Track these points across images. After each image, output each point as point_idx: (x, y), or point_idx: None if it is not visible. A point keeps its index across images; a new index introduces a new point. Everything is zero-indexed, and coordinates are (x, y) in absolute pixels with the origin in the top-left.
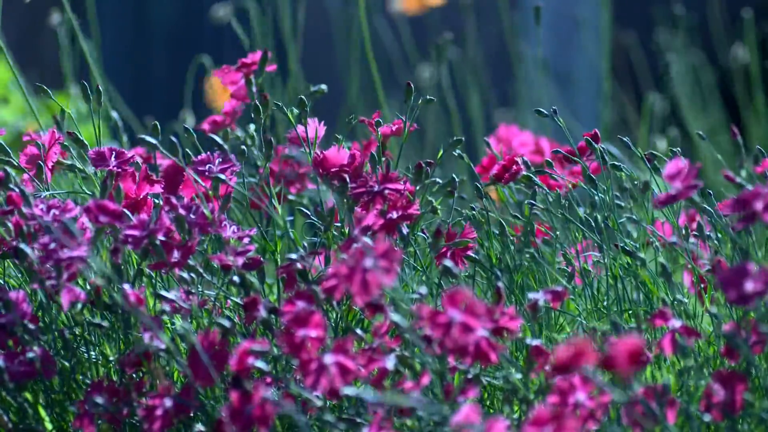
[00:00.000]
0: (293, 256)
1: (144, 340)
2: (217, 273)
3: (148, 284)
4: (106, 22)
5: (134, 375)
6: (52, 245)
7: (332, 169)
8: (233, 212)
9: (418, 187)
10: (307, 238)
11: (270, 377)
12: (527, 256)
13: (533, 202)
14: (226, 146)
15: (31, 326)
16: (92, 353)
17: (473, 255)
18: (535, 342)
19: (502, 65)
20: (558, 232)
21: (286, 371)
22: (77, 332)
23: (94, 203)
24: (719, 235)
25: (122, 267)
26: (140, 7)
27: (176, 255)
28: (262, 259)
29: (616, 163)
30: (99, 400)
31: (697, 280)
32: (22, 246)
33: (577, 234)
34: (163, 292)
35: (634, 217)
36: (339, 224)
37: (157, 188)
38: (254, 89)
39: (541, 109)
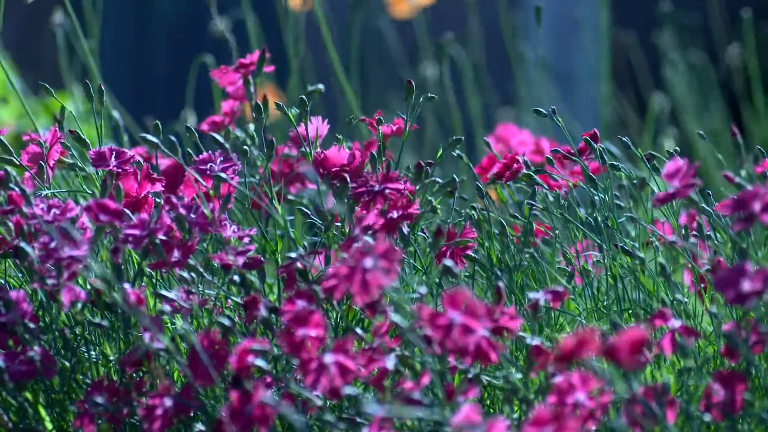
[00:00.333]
0: (293, 254)
1: (144, 340)
2: (217, 272)
3: (148, 284)
4: (107, 21)
5: (134, 375)
6: (53, 244)
7: (333, 169)
8: (233, 212)
9: (418, 187)
10: (308, 238)
11: (270, 377)
12: (527, 255)
13: (533, 202)
14: (227, 145)
15: (32, 325)
16: (92, 353)
17: (473, 255)
18: (535, 341)
19: (502, 65)
20: (558, 232)
21: (286, 371)
22: (77, 332)
23: (95, 202)
24: (719, 235)
25: (122, 266)
26: (141, 6)
27: (176, 254)
28: (262, 258)
29: (615, 162)
30: (99, 399)
31: (697, 280)
32: (23, 245)
33: (576, 234)
34: (164, 292)
35: (633, 216)
36: (339, 224)
37: (159, 187)
38: (252, 89)
39: (541, 109)
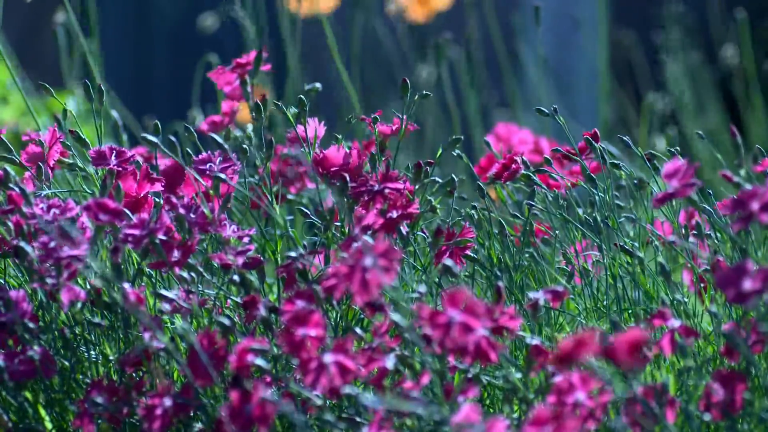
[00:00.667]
0: (293, 254)
1: (144, 340)
2: (217, 272)
3: (148, 283)
4: (108, 21)
5: (134, 374)
6: (52, 244)
7: (332, 169)
8: (233, 212)
9: (417, 187)
10: (307, 238)
11: (270, 376)
12: (527, 255)
13: (532, 202)
14: (226, 145)
15: (31, 325)
16: (92, 352)
17: (473, 254)
18: (535, 341)
19: (502, 65)
20: (557, 232)
21: (285, 370)
22: (77, 331)
23: (94, 202)
24: (719, 235)
25: (122, 266)
26: (142, 6)
27: (176, 254)
28: (261, 258)
29: (615, 161)
30: (99, 399)
31: (696, 280)
32: (23, 245)
33: (576, 233)
34: (164, 292)
35: (633, 216)
36: (339, 223)
37: (158, 187)
38: (249, 89)
39: (542, 108)
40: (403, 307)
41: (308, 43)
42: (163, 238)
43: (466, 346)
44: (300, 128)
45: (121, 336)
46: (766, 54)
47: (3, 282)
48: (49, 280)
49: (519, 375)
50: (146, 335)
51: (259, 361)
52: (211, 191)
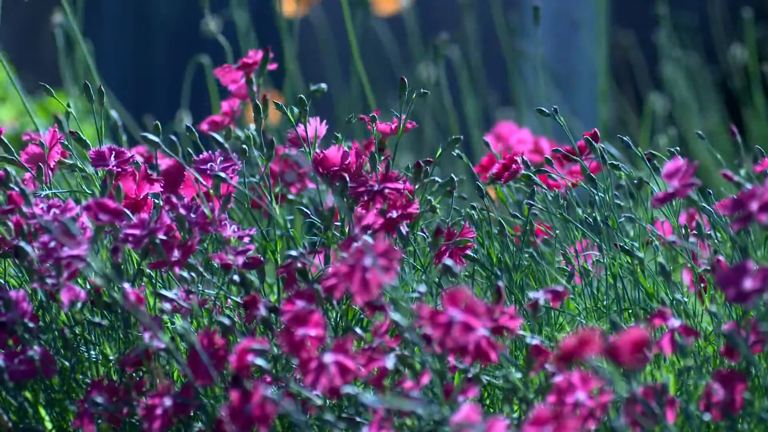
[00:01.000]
0: (293, 253)
1: (144, 340)
2: (217, 272)
3: (148, 283)
4: (107, 21)
5: (134, 374)
6: (52, 244)
7: (332, 169)
8: (234, 212)
9: (417, 186)
10: (307, 238)
11: (270, 376)
12: (527, 255)
13: (532, 201)
14: (227, 145)
15: (31, 325)
16: (92, 352)
17: (472, 254)
18: (535, 341)
19: (501, 65)
20: (557, 232)
21: (285, 370)
22: (77, 331)
23: (94, 202)
24: (719, 235)
25: (122, 266)
26: (141, 6)
27: (176, 254)
28: (262, 258)
29: (615, 162)
30: (99, 399)
31: (696, 279)
32: (23, 245)
33: (576, 233)
34: (164, 291)
35: (632, 215)
36: (339, 223)
37: (157, 188)
38: (255, 88)
39: (542, 108)
40: (403, 307)
41: (307, 44)
42: (164, 237)
43: (467, 345)
44: (300, 128)
45: (121, 336)
46: (764, 54)
47: (3, 282)
48: (49, 280)
49: (519, 375)
50: (146, 335)
51: (259, 361)
52: (211, 191)
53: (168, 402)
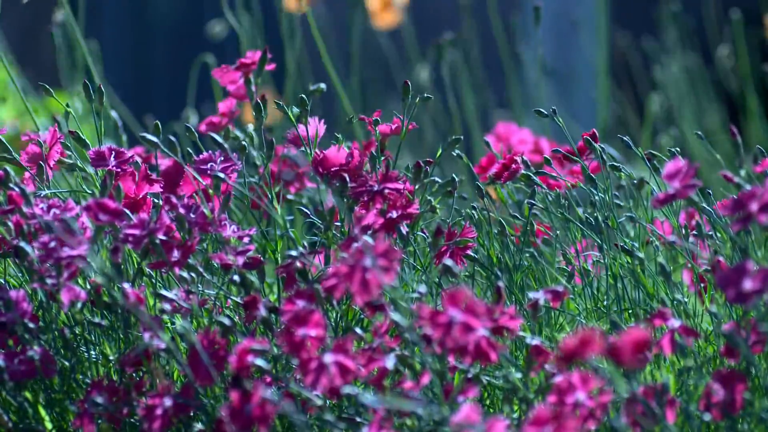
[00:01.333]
0: (293, 253)
1: (144, 340)
2: (217, 272)
3: (148, 284)
4: (107, 20)
5: (134, 374)
6: (53, 244)
7: (332, 169)
8: (233, 212)
9: (417, 187)
10: (307, 238)
11: (270, 376)
12: (527, 255)
13: (533, 201)
14: (226, 145)
15: (31, 325)
16: (92, 352)
17: (473, 254)
18: (535, 341)
19: (501, 66)
20: (558, 232)
21: (286, 370)
22: (77, 331)
23: (95, 202)
24: (719, 235)
25: (122, 266)
26: (141, 5)
27: (176, 254)
28: (262, 258)
29: (615, 163)
30: (99, 399)
31: (696, 279)
32: (23, 244)
33: (576, 233)
34: (164, 292)
35: (633, 215)
36: (339, 223)
37: (156, 188)
38: (253, 88)
39: (541, 110)
40: (403, 307)
41: (308, 43)
42: (163, 238)
43: (467, 346)
44: (300, 128)
45: (121, 336)
46: (762, 56)
47: (3, 282)
48: (49, 280)
49: (519, 375)
50: (146, 335)
51: (259, 362)
52: (211, 191)
53: (168, 402)
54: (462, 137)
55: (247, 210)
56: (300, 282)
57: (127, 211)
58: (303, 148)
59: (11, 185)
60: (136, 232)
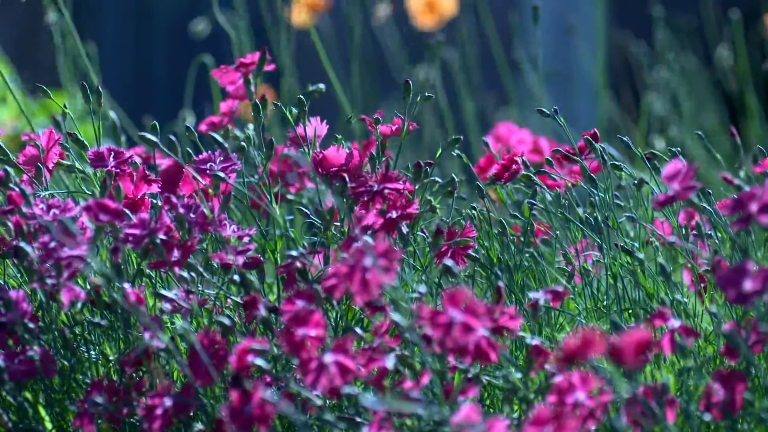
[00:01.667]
0: (293, 253)
1: (144, 340)
2: (217, 272)
3: (147, 284)
4: (107, 20)
5: (134, 374)
6: (52, 244)
7: (332, 169)
8: (233, 212)
9: (417, 187)
10: (307, 238)
11: (270, 376)
12: (527, 255)
13: (533, 201)
14: (226, 145)
15: (31, 325)
16: (92, 352)
17: (473, 254)
18: (535, 341)
19: (501, 66)
20: (558, 232)
21: (286, 370)
22: (77, 331)
23: (95, 202)
24: (719, 235)
25: (122, 266)
26: (141, 5)
27: (176, 254)
28: (261, 258)
29: (616, 163)
30: (99, 399)
31: (696, 279)
32: (23, 245)
33: (576, 233)
34: (163, 291)
35: (633, 215)
36: (338, 223)
37: (155, 188)
38: (253, 89)
39: (543, 109)
40: (403, 307)
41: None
42: (163, 237)
43: (467, 345)
44: (300, 128)
45: (121, 336)
46: (761, 55)
47: (3, 282)
48: (49, 281)
49: (519, 375)
50: (146, 335)
51: (259, 361)
52: (210, 190)
53: (168, 402)
54: (461, 137)
55: (247, 209)
56: (300, 282)
57: (127, 212)
58: (302, 148)
59: (11, 185)
60: (137, 232)
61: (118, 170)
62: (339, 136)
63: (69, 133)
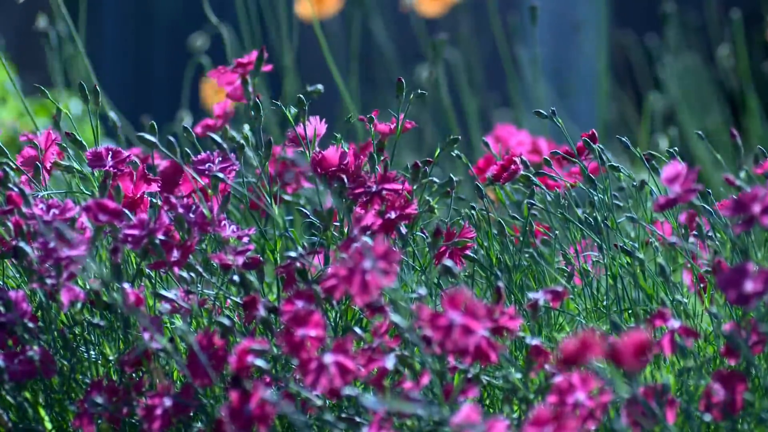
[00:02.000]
0: (293, 254)
1: (143, 340)
2: (216, 272)
3: (147, 284)
4: (107, 21)
5: (134, 374)
6: (52, 244)
7: (330, 169)
8: (232, 212)
9: (415, 187)
10: (306, 238)
11: (270, 376)
12: (526, 256)
13: (532, 201)
14: (225, 145)
15: (31, 325)
16: (92, 353)
17: (472, 254)
18: (535, 341)
19: (500, 66)
20: (557, 232)
21: (285, 370)
22: (77, 332)
23: (94, 202)
24: (719, 235)
25: (122, 266)
26: (141, 6)
27: (176, 254)
28: (261, 258)
29: (614, 164)
30: (99, 399)
31: (696, 280)
32: (22, 245)
33: (576, 234)
34: (163, 292)
35: (633, 216)
36: (338, 223)
37: (154, 187)
38: (250, 89)
39: (541, 111)
40: (402, 308)
41: (307, 43)
42: (163, 238)
43: (467, 346)
44: (299, 128)
45: (121, 336)
46: (763, 55)
47: (2, 283)
48: (48, 281)
49: (519, 375)
50: (146, 335)
51: (259, 362)
52: (209, 191)
53: (168, 402)
54: (461, 137)
55: (246, 210)
56: (299, 282)
57: (127, 212)
58: (302, 148)
59: (10, 185)
60: (136, 232)
61: (116, 170)
62: (338, 136)
63: (67, 133)
